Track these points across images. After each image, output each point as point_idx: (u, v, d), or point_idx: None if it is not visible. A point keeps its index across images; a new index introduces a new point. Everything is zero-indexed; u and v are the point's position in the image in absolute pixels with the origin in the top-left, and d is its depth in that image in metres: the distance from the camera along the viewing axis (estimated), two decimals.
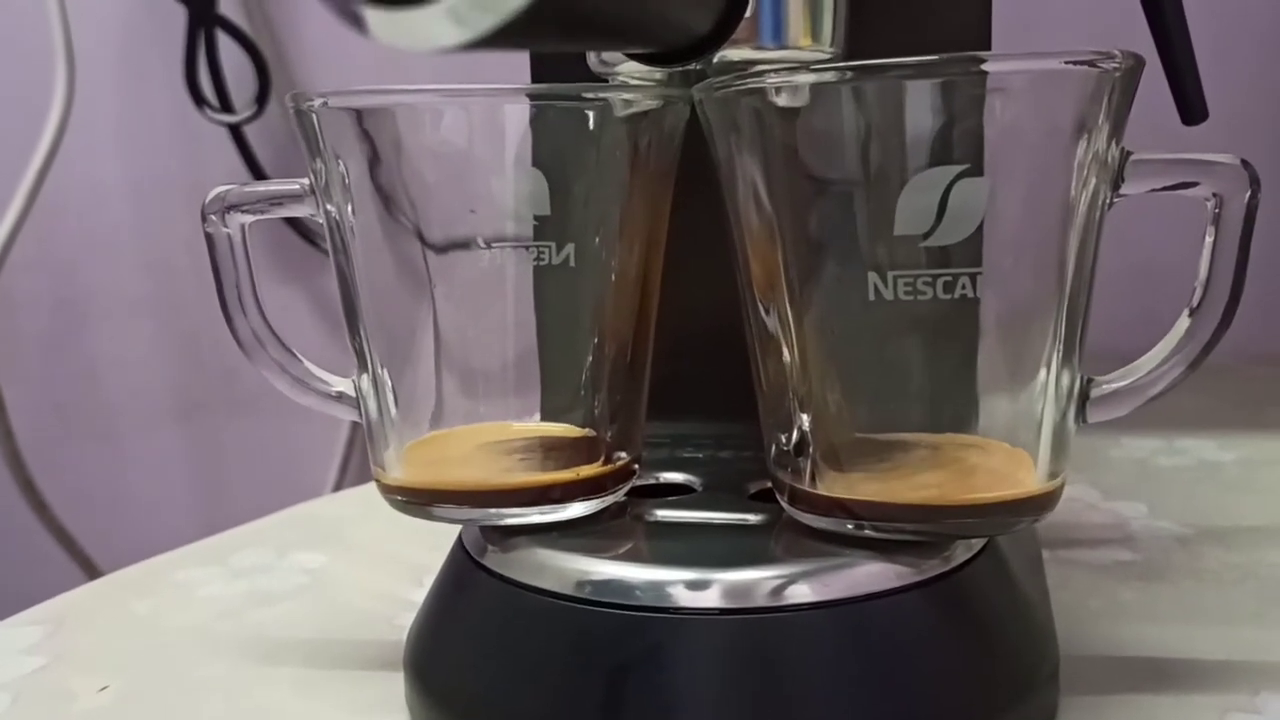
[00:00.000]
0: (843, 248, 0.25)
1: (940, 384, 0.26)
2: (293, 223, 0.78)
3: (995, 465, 0.26)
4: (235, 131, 0.78)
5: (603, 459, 0.29)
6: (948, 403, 0.26)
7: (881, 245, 0.24)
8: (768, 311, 0.27)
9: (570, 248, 0.28)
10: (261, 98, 0.75)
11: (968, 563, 0.27)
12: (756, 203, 0.26)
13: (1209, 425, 0.54)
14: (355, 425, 0.83)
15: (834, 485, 0.26)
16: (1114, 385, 0.27)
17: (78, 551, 0.77)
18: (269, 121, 0.78)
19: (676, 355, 0.32)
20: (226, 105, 0.77)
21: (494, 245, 0.28)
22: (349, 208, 0.28)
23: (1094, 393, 0.27)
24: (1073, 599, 0.35)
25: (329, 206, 0.29)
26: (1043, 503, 0.26)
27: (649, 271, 0.30)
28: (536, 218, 0.28)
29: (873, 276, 0.24)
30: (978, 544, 0.28)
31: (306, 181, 0.29)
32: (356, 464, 0.83)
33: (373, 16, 0.15)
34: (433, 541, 0.32)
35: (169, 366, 0.85)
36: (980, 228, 0.24)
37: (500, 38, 0.15)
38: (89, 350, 0.86)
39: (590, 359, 0.29)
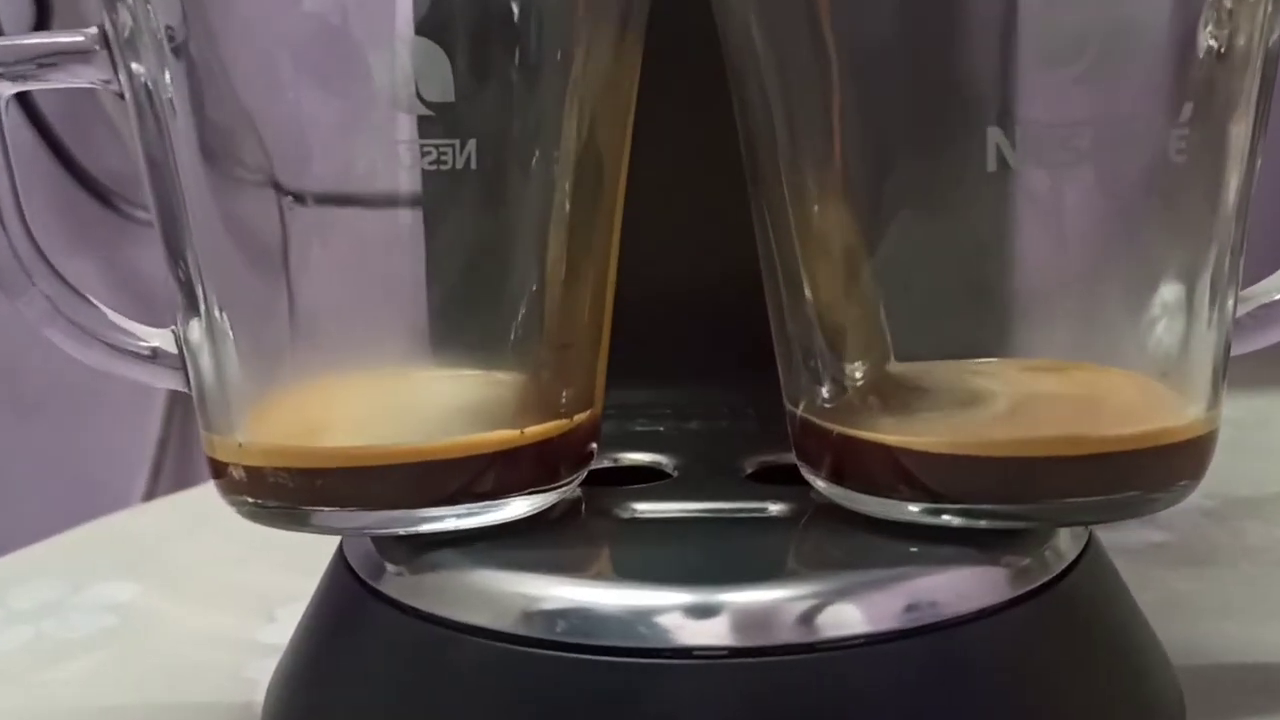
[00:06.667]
0: (949, 96, 0.18)
1: (1055, 298, 0.20)
2: (87, 183, 0.72)
3: (1128, 399, 0.20)
4: None
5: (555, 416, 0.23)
6: (1063, 323, 0.20)
7: (1012, 86, 0.18)
8: (807, 224, 0.20)
9: (473, 144, 0.22)
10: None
11: (1074, 564, 0.21)
12: (800, 63, 0.19)
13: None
14: (168, 421, 0.78)
15: (897, 434, 0.20)
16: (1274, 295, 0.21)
17: None
18: None
19: (627, 305, 0.25)
20: None
21: (371, 140, 0.22)
22: (165, 75, 0.21)
23: (1240, 310, 0.21)
24: None
25: (135, 66, 0.22)
26: (1199, 452, 0.20)
27: (610, 172, 0.23)
28: (432, 105, 0.21)
29: (994, 134, 0.17)
30: (1082, 537, 0.22)
31: (95, 30, 0.22)
32: (172, 468, 0.78)
33: None
34: (284, 557, 0.27)
35: None
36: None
37: None
38: None
39: (523, 292, 0.23)
